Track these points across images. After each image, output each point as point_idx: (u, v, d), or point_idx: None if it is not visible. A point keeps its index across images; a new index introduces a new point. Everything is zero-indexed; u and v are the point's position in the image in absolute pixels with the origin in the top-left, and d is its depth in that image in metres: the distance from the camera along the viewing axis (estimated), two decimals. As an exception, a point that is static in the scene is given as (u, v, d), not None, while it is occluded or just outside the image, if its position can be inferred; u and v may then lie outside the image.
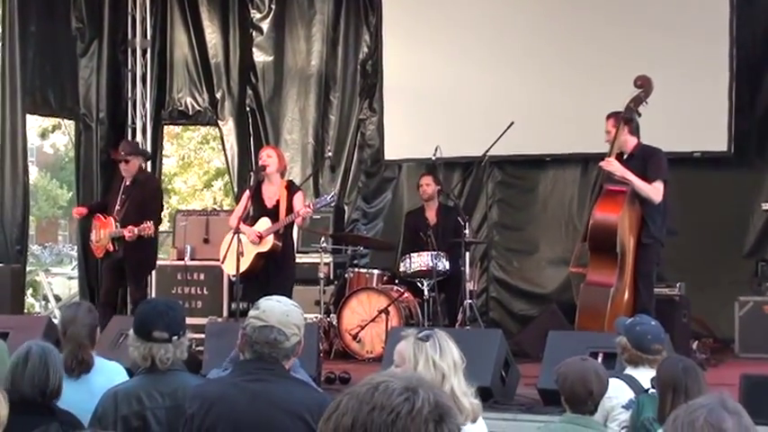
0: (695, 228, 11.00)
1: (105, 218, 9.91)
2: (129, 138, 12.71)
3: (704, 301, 10.59)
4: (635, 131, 8.43)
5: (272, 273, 9.23)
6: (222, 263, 9.32)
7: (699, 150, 10.85)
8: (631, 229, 8.24)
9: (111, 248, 9.80)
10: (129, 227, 9.55)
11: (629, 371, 5.27)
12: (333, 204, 10.65)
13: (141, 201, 9.83)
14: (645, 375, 5.14)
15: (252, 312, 4.00)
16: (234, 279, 9.37)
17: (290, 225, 9.44)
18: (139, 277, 10.11)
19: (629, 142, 8.39)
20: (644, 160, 8.29)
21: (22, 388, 4.35)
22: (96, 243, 9.96)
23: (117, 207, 9.85)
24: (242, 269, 8.98)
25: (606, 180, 8.44)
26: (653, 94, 8.42)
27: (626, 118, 8.34)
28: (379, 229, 12.45)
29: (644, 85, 8.42)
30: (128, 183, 9.90)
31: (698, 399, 2.22)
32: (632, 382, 5.13)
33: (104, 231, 9.86)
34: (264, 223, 9.28)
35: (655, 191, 8.25)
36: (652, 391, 4.98)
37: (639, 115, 8.43)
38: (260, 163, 9.49)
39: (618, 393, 5.07)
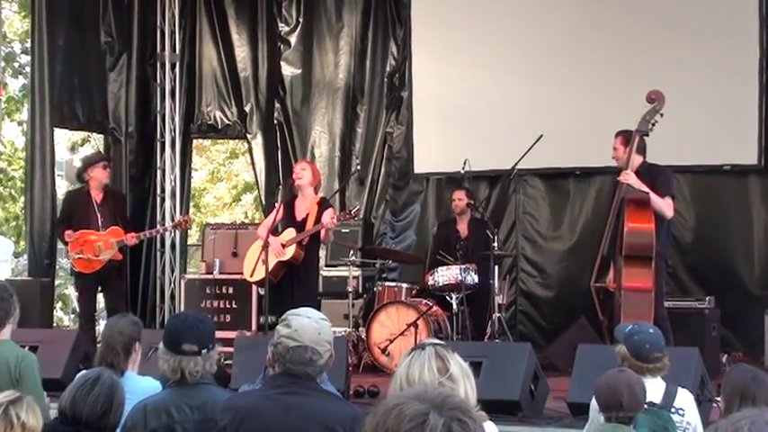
0: (724, 240, 10.95)
1: (101, 231, 9.96)
2: (159, 152, 12.77)
3: (733, 313, 10.52)
4: (641, 150, 8.44)
5: (295, 284, 9.28)
6: (249, 275, 9.41)
7: (729, 163, 10.80)
8: None
9: (120, 257, 10.11)
10: (131, 234, 10.03)
11: None
12: (358, 217, 10.65)
13: (121, 211, 10.38)
14: (647, 386, 5.04)
15: (283, 330, 3.94)
16: (262, 292, 9.40)
17: (317, 240, 9.46)
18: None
19: (635, 160, 8.40)
20: (651, 178, 8.29)
21: (80, 408, 4.24)
22: (96, 258, 9.91)
23: (101, 220, 10.01)
24: (261, 275, 9.09)
25: (626, 191, 8.41)
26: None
27: (643, 132, 8.36)
28: (408, 242, 12.41)
29: (656, 99, 8.46)
30: (98, 197, 10.10)
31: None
32: None
33: (101, 244, 9.90)
34: (290, 233, 9.34)
35: (668, 206, 8.28)
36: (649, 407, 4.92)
37: (651, 130, 8.44)
38: (293, 176, 9.54)
39: None
